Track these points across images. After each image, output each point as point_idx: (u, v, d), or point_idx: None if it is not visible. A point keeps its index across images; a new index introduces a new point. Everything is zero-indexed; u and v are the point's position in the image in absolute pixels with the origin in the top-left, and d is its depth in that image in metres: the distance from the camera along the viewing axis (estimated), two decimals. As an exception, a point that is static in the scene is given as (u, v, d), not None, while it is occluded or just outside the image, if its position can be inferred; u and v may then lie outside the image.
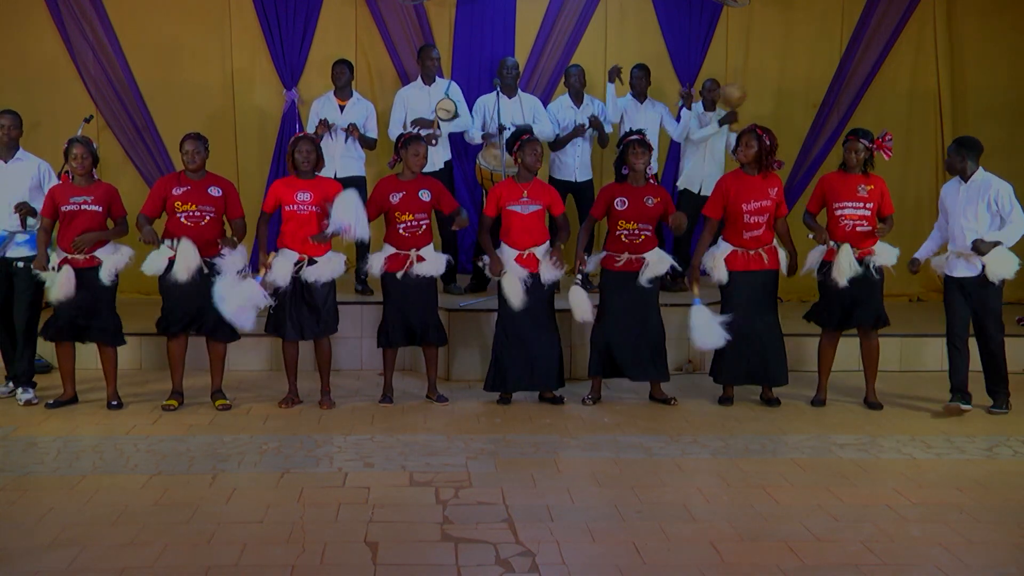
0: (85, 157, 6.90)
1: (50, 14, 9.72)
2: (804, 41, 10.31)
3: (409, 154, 7.24)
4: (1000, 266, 6.99)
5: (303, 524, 5.00)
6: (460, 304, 8.13)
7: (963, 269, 7.11)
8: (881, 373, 7.54)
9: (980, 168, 7.11)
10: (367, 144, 8.77)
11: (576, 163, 9.00)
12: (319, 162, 7.17)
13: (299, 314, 7.08)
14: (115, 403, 7.09)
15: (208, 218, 6.95)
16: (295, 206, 7.04)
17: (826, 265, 7.24)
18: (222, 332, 7.08)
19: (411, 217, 7.17)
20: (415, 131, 7.95)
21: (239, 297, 6.86)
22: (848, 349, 7.76)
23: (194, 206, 6.92)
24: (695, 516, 5.20)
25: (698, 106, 9.13)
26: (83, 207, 6.86)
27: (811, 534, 4.97)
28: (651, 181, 7.30)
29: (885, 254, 7.24)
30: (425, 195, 7.21)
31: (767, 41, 10.29)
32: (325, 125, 8.54)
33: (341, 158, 8.57)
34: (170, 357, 7.16)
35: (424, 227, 7.23)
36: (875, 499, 5.49)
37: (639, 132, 7.34)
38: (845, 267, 7.11)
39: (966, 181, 7.11)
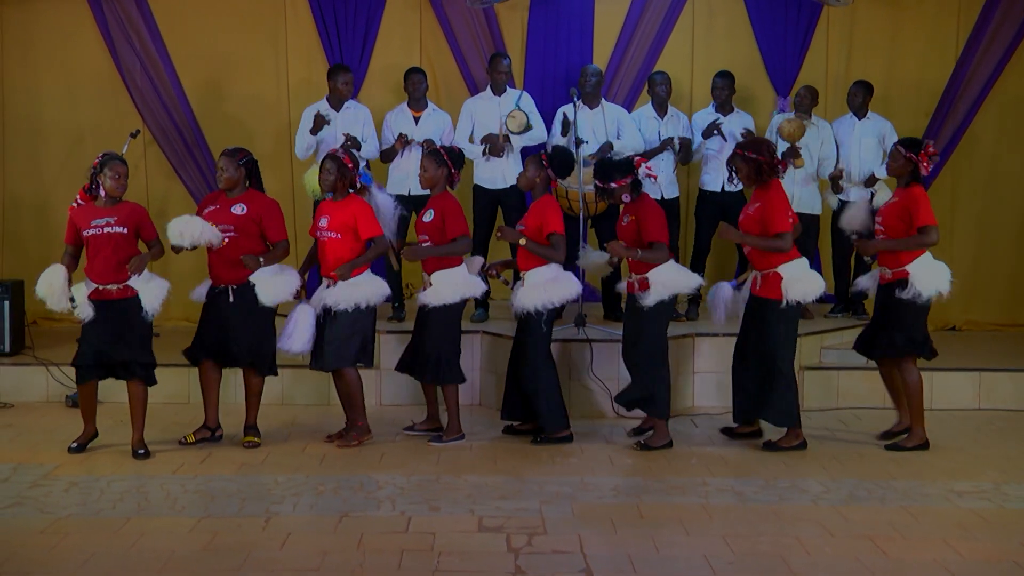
0: (125, 177, 6.76)
1: (96, 22, 9.98)
2: (914, 44, 10.18)
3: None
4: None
5: (363, 573, 5.02)
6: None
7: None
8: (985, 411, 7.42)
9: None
10: None
11: (663, 179, 8.77)
12: (339, 183, 6.99)
13: (318, 341, 7.02)
14: (142, 451, 6.82)
15: (227, 239, 6.87)
16: (318, 231, 7.09)
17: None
18: (256, 365, 7.07)
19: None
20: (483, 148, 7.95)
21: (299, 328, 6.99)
22: (968, 385, 7.63)
23: (216, 226, 6.88)
24: (794, 569, 5.12)
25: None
26: (106, 229, 6.63)
27: (927, 592, 4.88)
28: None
29: (925, 278, 6.91)
30: (427, 215, 7.19)
31: (873, 44, 10.18)
32: (404, 140, 8.65)
33: (416, 175, 8.64)
34: (200, 384, 7.13)
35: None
36: (1001, 555, 5.35)
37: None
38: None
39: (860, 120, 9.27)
